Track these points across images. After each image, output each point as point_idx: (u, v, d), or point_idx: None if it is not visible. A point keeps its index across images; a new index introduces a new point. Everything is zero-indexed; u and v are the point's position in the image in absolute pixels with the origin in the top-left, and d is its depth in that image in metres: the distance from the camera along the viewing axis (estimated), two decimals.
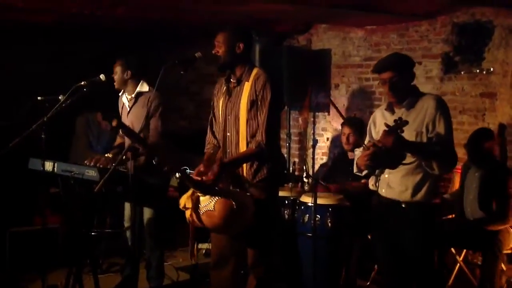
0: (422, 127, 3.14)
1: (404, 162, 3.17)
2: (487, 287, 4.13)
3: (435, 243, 3.59)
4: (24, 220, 5.24)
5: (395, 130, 3.03)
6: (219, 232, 3.29)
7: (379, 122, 3.36)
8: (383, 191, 3.27)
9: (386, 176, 3.25)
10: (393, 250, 3.30)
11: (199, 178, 3.08)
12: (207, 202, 3.03)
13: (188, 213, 3.11)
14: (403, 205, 3.21)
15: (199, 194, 3.06)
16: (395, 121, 3.07)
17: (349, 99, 5.97)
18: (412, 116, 3.15)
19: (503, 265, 4.36)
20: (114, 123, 3.59)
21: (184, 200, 3.11)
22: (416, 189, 3.18)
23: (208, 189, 3.04)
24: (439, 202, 4.29)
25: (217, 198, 3.02)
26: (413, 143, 3.12)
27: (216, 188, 3.07)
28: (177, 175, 2.96)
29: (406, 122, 3.04)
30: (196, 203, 3.05)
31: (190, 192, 3.11)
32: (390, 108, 3.29)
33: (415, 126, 3.14)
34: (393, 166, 3.21)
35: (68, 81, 3.78)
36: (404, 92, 3.21)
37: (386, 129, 3.06)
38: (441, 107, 3.17)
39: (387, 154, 3.12)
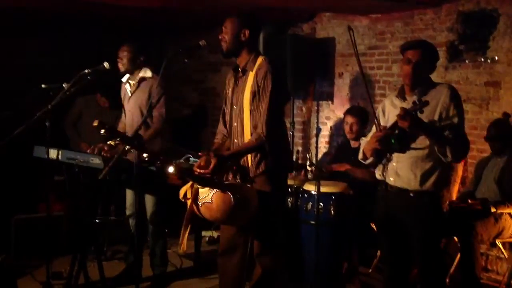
0: (434, 115, 3.12)
1: (414, 146, 3.15)
2: (467, 276, 4.13)
3: (442, 233, 3.56)
4: (28, 207, 5.29)
5: (414, 110, 3.01)
6: (220, 224, 3.30)
7: (388, 110, 3.34)
8: (391, 180, 3.25)
9: (394, 164, 3.22)
10: (398, 239, 3.29)
11: (199, 170, 3.05)
12: (205, 194, 3.02)
13: (189, 203, 3.12)
14: (411, 194, 3.18)
15: (198, 186, 3.06)
16: (414, 102, 3.06)
17: (353, 88, 5.96)
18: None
19: (505, 253, 4.38)
20: (95, 123, 3.00)
21: (184, 191, 3.12)
22: (425, 178, 3.15)
23: (206, 182, 3.03)
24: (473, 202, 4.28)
25: (215, 190, 3.00)
26: (429, 126, 3.09)
27: (215, 180, 3.05)
28: (170, 169, 2.95)
29: (427, 103, 3.03)
30: (195, 195, 3.06)
31: (190, 182, 3.11)
32: (402, 96, 3.26)
33: (427, 114, 3.11)
34: (402, 151, 3.18)
35: (71, 70, 3.79)
36: (421, 79, 3.19)
37: (404, 109, 3.02)
38: (455, 96, 3.16)
39: (399, 138, 3.10)
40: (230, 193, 3.00)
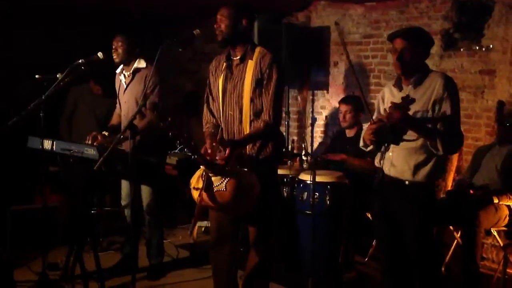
0: (428, 106, 3.09)
1: (407, 138, 3.15)
2: (468, 264, 4.15)
3: (435, 222, 3.54)
4: (24, 198, 5.27)
5: (401, 107, 3.00)
6: (229, 212, 3.27)
7: (387, 98, 3.33)
8: (386, 169, 3.26)
9: (390, 154, 3.23)
10: (393, 228, 3.29)
11: (208, 158, 3.07)
12: (218, 182, 3.01)
13: (196, 194, 3.09)
14: (405, 184, 3.18)
15: (210, 174, 3.06)
16: (402, 98, 3.05)
17: (348, 77, 5.95)
18: (419, 94, 3.11)
19: (500, 241, 4.40)
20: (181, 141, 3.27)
21: (195, 180, 3.11)
22: (419, 169, 3.14)
23: (220, 170, 3.03)
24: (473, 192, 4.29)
25: (228, 178, 3.01)
26: (418, 122, 3.08)
27: (227, 168, 3.06)
28: (193, 156, 2.96)
29: (413, 100, 3.02)
30: (208, 183, 3.05)
31: (200, 172, 3.10)
32: (398, 85, 3.25)
33: (421, 105, 3.09)
34: (396, 142, 3.19)
35: (66, 60, 3.77)
36: (411, 66, 3.15)
37: (394, 103, 3.03)
38: (449, 86, 3.09)
39: (392, 130, 3.10)
40: (242, 180, 3.01)
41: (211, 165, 3.03)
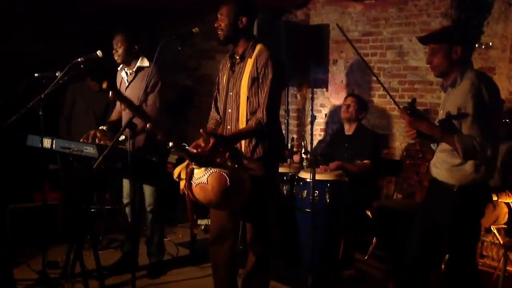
0: (455, 110, 3.03)
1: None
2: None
3: (474, 230, 3.30)
4: (23, 197, 5.27)
5: (406, 110, 3.04)
6: (213, 207, 3.26)
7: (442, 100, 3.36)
8: (432, 171, 3.29)
9: (435, 156, 3.27)
10: (428, 229, 3.27)
11: (195, 150, 3.04)
12: (201, 175, 2.97)
13: (182, 184, 3.09)
14: (442, 185, 3.17)
15: (194, 166, 3.03)
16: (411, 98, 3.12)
17: (347, 75, 5.95)
18: (455, 95, 3.08)
19: (500, 239, 4.40)
20: (104, 85, 3.39)
21: (179, 171, 3.08)
22: (453, 171, 3.11)
23: (202, 161, 3.00)
24: None
25: (211, 171, 2.96)
26: (428, 124, 3.07)
27: (211, 161, 3.03)
28: (170, 144, 2.91)
29: (414, 101, 3.09)
30: (190, 175, 3.02)
31: (185, 163, 3.08)
32: (444, 86, 3.22)
33: (448, 108, 3.07)
34: (433, 141, 3.26)
35: (64, 58, 3.76)
36: (441, 69, 3.13)
37: (403, 108, 3.09)
38: (475, 88, 2.98)
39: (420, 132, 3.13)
40: (226, 175, 2.96)
41: (193, 156, 2.98)
